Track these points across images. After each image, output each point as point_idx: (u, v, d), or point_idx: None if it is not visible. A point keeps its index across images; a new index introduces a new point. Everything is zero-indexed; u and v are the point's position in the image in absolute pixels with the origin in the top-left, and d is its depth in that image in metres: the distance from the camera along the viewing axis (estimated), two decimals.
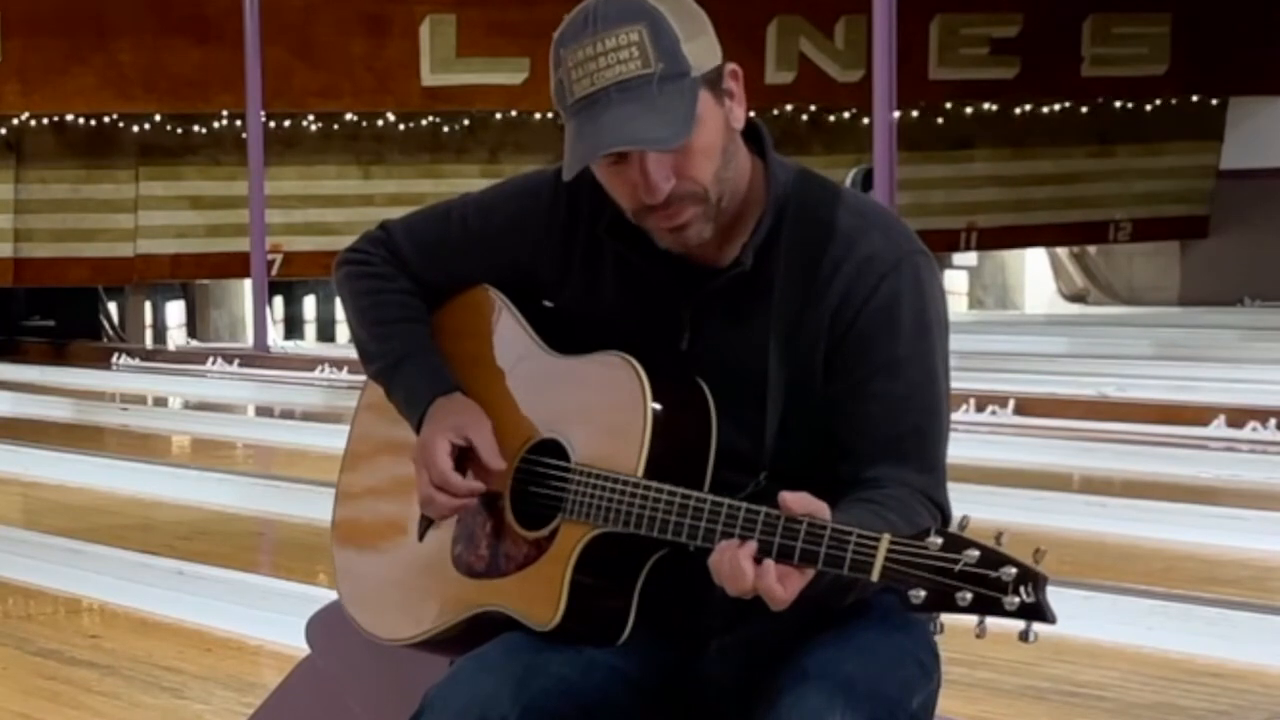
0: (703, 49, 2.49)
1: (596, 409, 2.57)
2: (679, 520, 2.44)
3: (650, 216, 2.52)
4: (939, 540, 2.25)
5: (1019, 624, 2.27)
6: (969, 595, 2.24)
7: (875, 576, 2.27)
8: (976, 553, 2.24)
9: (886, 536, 2.28)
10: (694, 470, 2.51)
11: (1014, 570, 2.23)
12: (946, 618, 2.36)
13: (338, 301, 2.90)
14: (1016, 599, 2.23)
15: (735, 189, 2.55)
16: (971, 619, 2.27)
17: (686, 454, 2.52)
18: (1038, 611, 2.25)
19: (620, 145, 2.45)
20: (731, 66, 2.54)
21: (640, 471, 2.49)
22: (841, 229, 2.56)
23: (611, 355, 2.57)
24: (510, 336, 2.71)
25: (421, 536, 2.72)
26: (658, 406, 2.51)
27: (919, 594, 2.25)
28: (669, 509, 2.45)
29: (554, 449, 2.60)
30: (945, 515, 2.53)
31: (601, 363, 2.58)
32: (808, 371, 2.54)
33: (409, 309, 2.77)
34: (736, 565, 2.33)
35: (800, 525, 2.33)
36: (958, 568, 2.24)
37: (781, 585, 2.32)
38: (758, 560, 2.34)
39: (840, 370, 2.54)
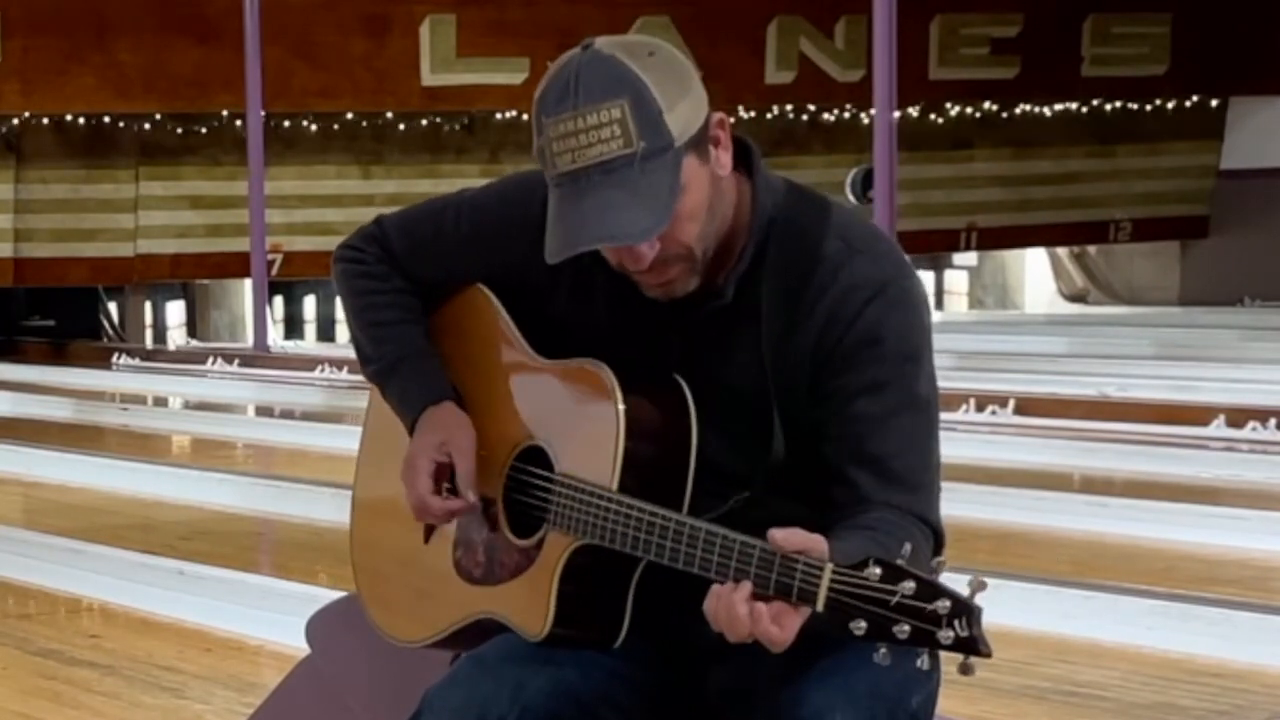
0: (686, 113, 2.46)
1: (573, 417, 2.57)
2: (647, 539, 2.44)
3: (633, 273, 2.52)
4: (878, 571, 2.23)
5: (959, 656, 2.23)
6: (906, 628, 2.22)
7: (820, 607, 2.26)
8: (913, 584, 2.22)
9: (830, 566, 2.26)
10: (673, 478, 2.51)
11: (948, 604, 2.21)
12: None
13: (338, 301, 2.91)
14: (951, 633, 2.20)
15: (721, 230, 2.54)
16: None
17: (664, 462, 2.52)
18: (972, 645, 2.21)
19: (599, 243, 2.45)
20: (717, 117, 2.51)
21: (614, 484, 2.49)
22: (827, 254, 2.55)
23: (586, 362, 2.57)
24: (500, 339, 2.71)
25: (427, 539, 2.72)
26: (631, 416, 2.51)
27: (860, 625, 2.23)
28: (638, 527, 2.45)
29: (541, 456, 2.60)
30: (938, 533, 2.53)
31: (577, 369, 2.58)
32: (795, 395, 2.54)
33: (404, 309, 2.77)
34: (732, 612, 2.32)
35: (754, 550, 2.32)
36: (894, 600, 2.22)
37: (778, 626, 2.30)
38: (754, 601, 2.31)
39: (825, 394, 2.53)
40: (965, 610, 2.21)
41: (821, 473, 2.52)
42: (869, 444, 2.51)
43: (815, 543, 2.30)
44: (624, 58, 2.44)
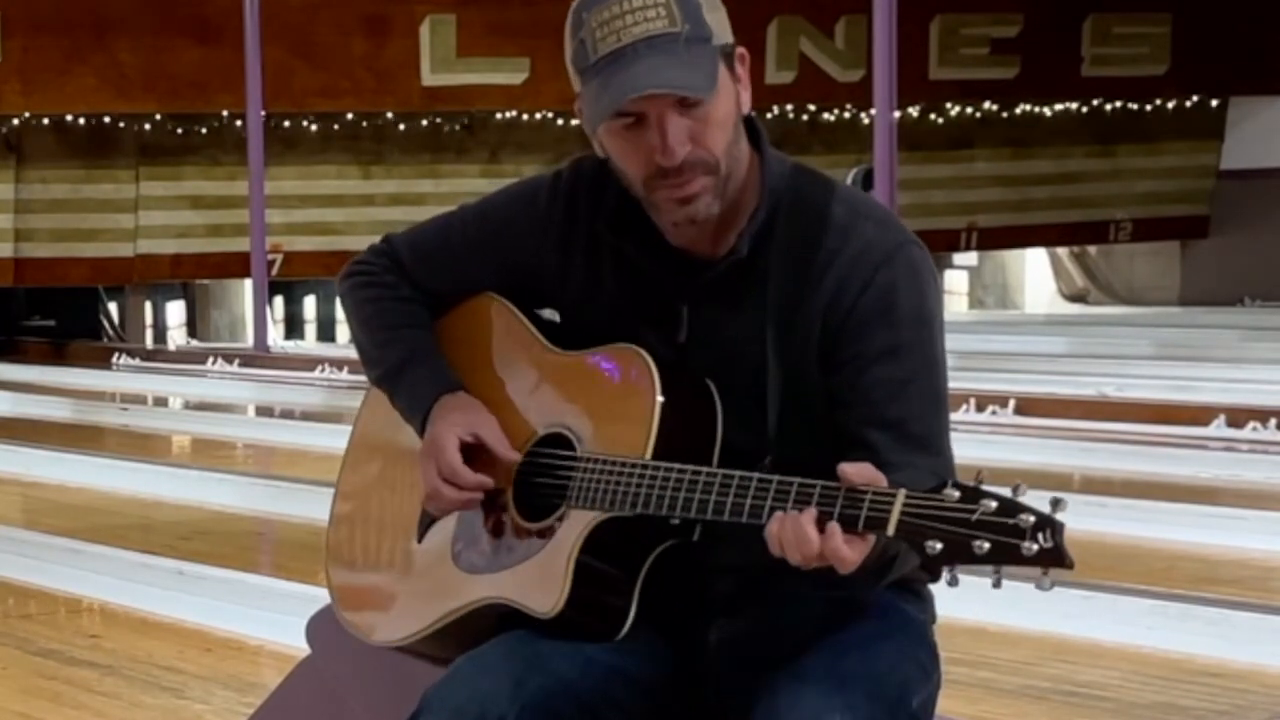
0: (720, 21, 2.53)
1: (604, 399, 2.58)
2: (688, 496, 2.44)
3: (661, 185, 2.52)
4: (956, 493, 2.26)
5: (1035, 573, 2.25)
6: (986, 544, 2.23)
7: (891, 531, 2.27)
8: (994, 503, 2.25)
9: (902, 491, 2.28)
10: (700, 456, 2.51)
11: (1032, 518, 2.23)
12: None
13: (338, 301, 2.92)
14: (1035, 545, 2.22)
15: (739, 170, 2.55)
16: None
17: (692, 443, 2.52)
18: (1056, 556, 2.23)
19: (654, 88, 2.45)
20: (741, 50, 2.56)
21: (648, 454, 2.49)
22: (836, 221, 2.57)
23: (620, 346, 2.58)
24: (514, 340, 2.71)
25: (421, 538, 2.72)
26: (665, 397, 2.52)
27: (935, 546, 2.25)
28: (678, 486, 2.45)
29: (558, 442, 2.60)
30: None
31: (606, 353, 2.59)
32: (803, 362, 2.55)
33: (412, 316, 2.78)
34: (801, 532, 2.32)
35: (814, 488, 2.33)
36: (975, 517, 2.25)
37: (849, 546, 2.31)
38: (821, 526, 2.33)
39: (840, 360, 2.54)
40: (1049, 523, 2.24)
41: (837, 439, 2.52)
42: (889, 408, 2.51)
43: (880, 478, 2.32)
44: None
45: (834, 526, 2.31)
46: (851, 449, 2.50)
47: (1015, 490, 2.26)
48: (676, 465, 2.46)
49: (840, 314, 2.54)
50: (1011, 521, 2.23)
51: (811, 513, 2.32)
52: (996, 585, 2.26)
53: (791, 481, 2.35)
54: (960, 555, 2.25)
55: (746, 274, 2.58)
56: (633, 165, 2.53)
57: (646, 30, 2.46)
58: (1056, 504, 2.25)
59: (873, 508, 2.29)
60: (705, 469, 2.45)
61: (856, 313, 2.53)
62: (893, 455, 2.49)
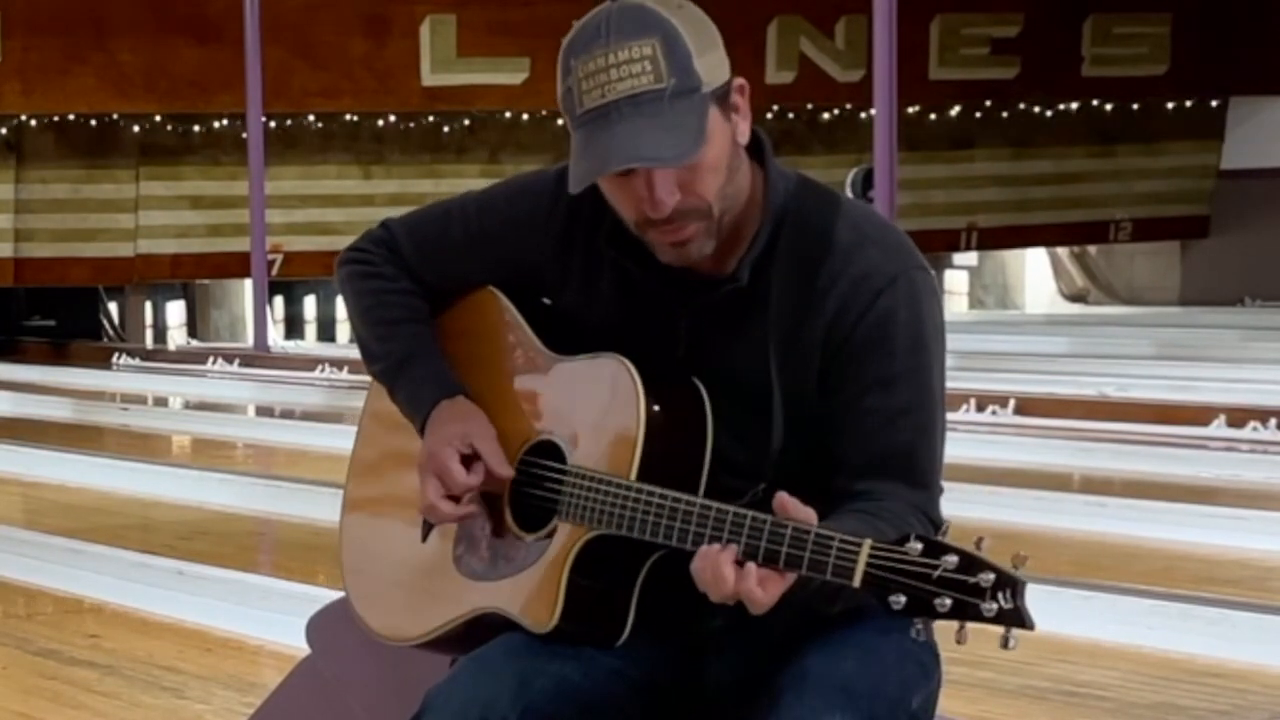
0: (713, 64, 2.48)
1: (591, 411, 2.57)
2: (669, 524, 2.44)
3: (652, 230, 2.51)
4: (919, 546, 2.25)
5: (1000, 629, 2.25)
6: (948, 601, 2.23)
7: (857, 582, 2.27)
8: (955, 559, 2.24)
9: (868, 542, 2.28)
10: (688, 473, 2.51)
11: (992, 576, 2.22)
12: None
13: (338, 301, 2.92)
14: (994, 605, 2.22)
15: (736, 203, 2.54)
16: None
17: (681, 456, 2.52)
18: (1016, 617, 2.23)
19: (630, 162, 2.44)
20: (739, 81, 2.52)
21: (633, 474, 2.49)
22: (839, 243, 2.55)
23: (606, 357, 2.57)
24: (512, 338, 2.70)
25: (424, 538, 2.72)
26: (652, 408, 2.51)
27: (899, 600, 2.25)
28: (660, 513, 2.45)
29: (551, 450, 2.60)
30: (940, 531, 2.52)
31: (597, 364, 2.58)
32: (803, 384, 2.54)
33: (412, 309, 2.76)
34: (718, 571, 2.34)
35: (785, 530, 2.33)
36: (936, 574, 2.24)
37: (762, 589, 2.33)
38: (740, 564, 2.34)
39: (835, 385, 2.53)
40: (1010, 583, 2.23)
41: (826, 464, 2.52)
42: (879, 439, 2.51)
43: (807, 514, 2.33)
44: (655, 5, 2.47)
45: (749, 567, 2.32)
46: (838, 475, 2.51)
47: (978, 544, 2.25)
48: (659, 491, 2.45)
49: (839, 338, 2.53)
50: (972, 580, 2.23)
51: (732, 551, 2.34)
52: (960, 641, 2.26)
53: (765, 519, 2.35)
54: (922, 610, 2.25)
55: (747, 296, 2.56)
56: (624, 210, 2.52)
57: (631, 88, 2.43)
58: (1019, 561, 2.24)
59: (840, 556, 2.29)
60: (685, 498, 2.44)
61: (855, 338, 2.52)
62: (877, 485, 2.49)
